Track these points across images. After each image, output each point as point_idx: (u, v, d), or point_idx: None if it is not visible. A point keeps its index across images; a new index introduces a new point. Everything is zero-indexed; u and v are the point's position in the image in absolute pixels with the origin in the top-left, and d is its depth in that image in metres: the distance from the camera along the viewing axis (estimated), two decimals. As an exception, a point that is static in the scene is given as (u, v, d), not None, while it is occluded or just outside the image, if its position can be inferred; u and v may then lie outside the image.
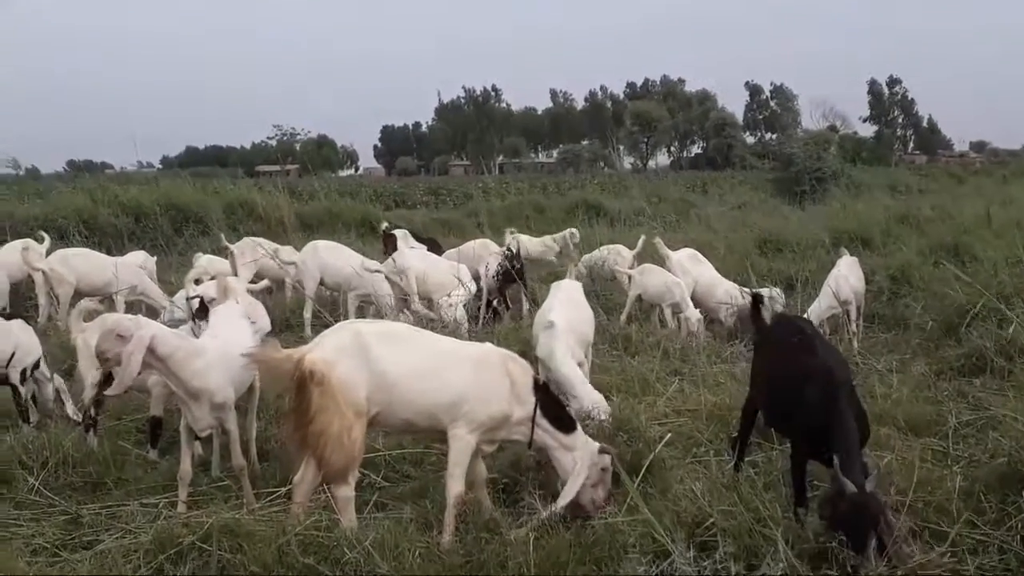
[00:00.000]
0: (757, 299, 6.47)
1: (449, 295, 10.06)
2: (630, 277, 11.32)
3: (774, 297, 10.38)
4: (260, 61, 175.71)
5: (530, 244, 16.05)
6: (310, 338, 10.66)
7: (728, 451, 6.24)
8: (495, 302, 11.64)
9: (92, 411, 6.68)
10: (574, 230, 16.71)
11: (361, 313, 11.00)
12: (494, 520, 5.17)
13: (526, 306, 11.68)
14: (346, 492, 5.01)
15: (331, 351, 5.01)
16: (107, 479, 6.06)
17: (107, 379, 6.62)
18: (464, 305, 10.12)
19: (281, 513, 5.35)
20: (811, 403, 4.79)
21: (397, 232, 14.32)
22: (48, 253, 12.10)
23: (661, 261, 11.51)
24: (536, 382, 5.44)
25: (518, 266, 11.73)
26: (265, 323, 8.83)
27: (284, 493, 5.73)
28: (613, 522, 4.90)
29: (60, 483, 6.04)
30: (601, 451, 5.41)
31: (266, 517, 5.22)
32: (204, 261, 11.82)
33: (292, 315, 11.85)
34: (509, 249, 12.10)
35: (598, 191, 31.67)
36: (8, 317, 7.55)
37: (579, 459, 5.36)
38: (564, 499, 5.24)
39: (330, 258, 11.15)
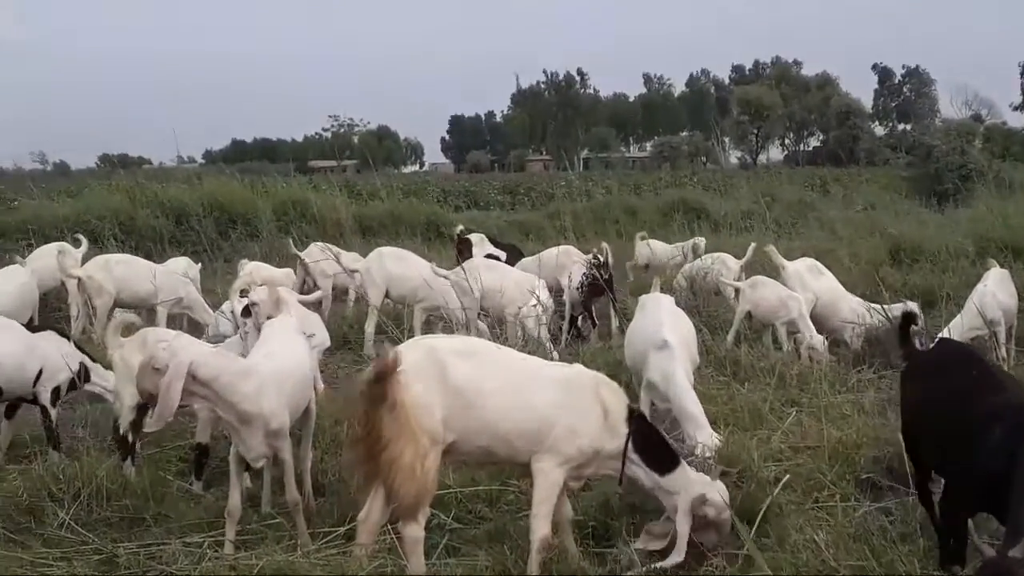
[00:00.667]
0: (909, 319, 6.19)
1: (519, 309, 10.03)
2: (738, 291, 11.21)
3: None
4: (314, 46, 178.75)
5: (661, 250, 15.82)
6: (370, 357, 10.97)
7: (856, 495, 6.13)
8: (580, 318, 11.63)
9: (130, 437, 6.81)
10: (700, 240, 16.47)
11: (428, 328, 11.12)
12: (582, 569, 5.16)
13: (615, 322, 11.65)
14: (415, 532, 5.01)
15: (403, 372, 5.02)
16: (146, 514, 6.17)
17: (148, 401, 6.83)
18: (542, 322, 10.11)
19: (340, 556, 5.41)
20: (992, 447, 4.53)
21: (473, 237, 14.45)
22: (84, 258, 12.43)
23: (775, 272, 11.38)
24: (631, 411, 5.42)
25: (607, 276, 11.68)
26: (324, 338, 9.01)
27: (343, 533, 5.78)
28: (722, 576, 4.86)
29: (94, 518, 6.16)
30: (700, 502, 5.29)
31: (323, 560, 5.28)
32: (250, 268, 12.04)
33: (351, 330, 12.05)
34: (596, 256, 12.05)
35: (699, 190, 31.39)
36: (36, 329, 7.77)
37: (682, 504, 5.31)
38: (674, 557, 5.16)
39: (396, 267, 11.32)
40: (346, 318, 12.61)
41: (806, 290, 10.82)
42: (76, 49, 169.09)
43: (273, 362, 5.81)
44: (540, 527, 5.16)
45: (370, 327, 11.20)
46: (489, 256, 13.36)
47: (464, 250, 13.37)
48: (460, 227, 15.55)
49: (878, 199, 29.13)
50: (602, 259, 12.00)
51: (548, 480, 5.18)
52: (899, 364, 6.69)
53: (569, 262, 12.38)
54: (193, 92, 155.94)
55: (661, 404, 6.91)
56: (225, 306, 10.15)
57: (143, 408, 6.81)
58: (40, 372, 7.27)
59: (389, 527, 5.24)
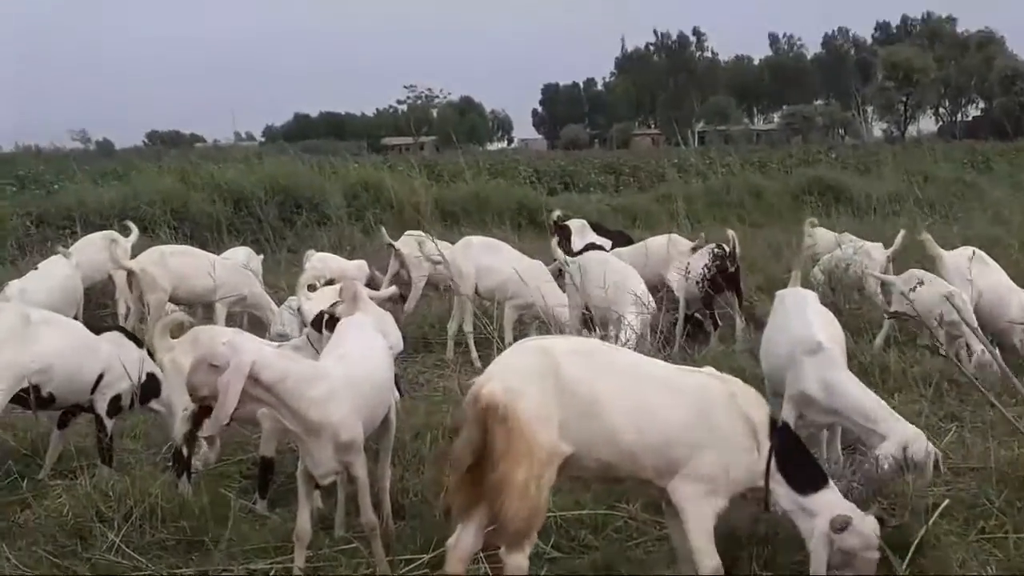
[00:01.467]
0: None
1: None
2: (886, 286, 11.00)
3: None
4: (385, 8, 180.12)
5: (825, 239, 15.40)
6: (451, 361, 11.09)
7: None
8: (702, 318, 11.54)
9: (185, 450, 6.90)
10: (851, 236, 15.77)
11: (520, 329, 11.19)
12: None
13: (740, 324, 11.54)
14: (520, 561, 4.94)
15: (514, 378, 5.00)
16: (205, 537, 6.24)
17: (204, 410, 6.94)
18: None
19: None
20: None
21: (573, 223, 14.43)
22: (134, 249, 12.71)
23: (930, 264, 11.17)
24: (773, 422, 5.35)
25: (732, 269, 11.57)
26: (397, 340, 9.09)
27: (427, 561, 5.84)
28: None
29: (147, 541, 6.25)
30: (837, 526, 5.18)
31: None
32: (317, 260, 12.20)
33: (432, 329, 12.15)
34: (720, 246, 11.93)
35: (837, 168, 30.97)
36: (101, 330, 7.90)
37: (816, 531, 5.23)
38: None
39: (487, 258, 11.42)
40: (426, 316, 12.73)
41: (967, 285, 10.59)
42: (121, 17, 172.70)
43: (346, 366, 5.86)
44: (706, 562, 5.08)
45: (453, 326, 11.36)
46: (592, 246, 13.35)
47: (563, 239, 13.33)
48: (557, 212, 15.51)
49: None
50: (727, 249, 11.86)
51: (698, 513, 5.11)
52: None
53: (675, 253, 12.30)
54: (251, 63, 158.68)
55: (821, 418, 6.80)
56: (291, 301, 10.30)
57: (200, 418, 6.95)
58: (100, 377, 7.38)
59: (481, 554, 5.26)
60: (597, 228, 14.94)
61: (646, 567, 5.64)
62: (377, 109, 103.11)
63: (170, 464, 7.13)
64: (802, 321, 7.28)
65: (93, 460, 7.51)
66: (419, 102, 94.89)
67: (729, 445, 5.16)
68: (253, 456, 7.26)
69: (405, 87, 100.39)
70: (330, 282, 9.76)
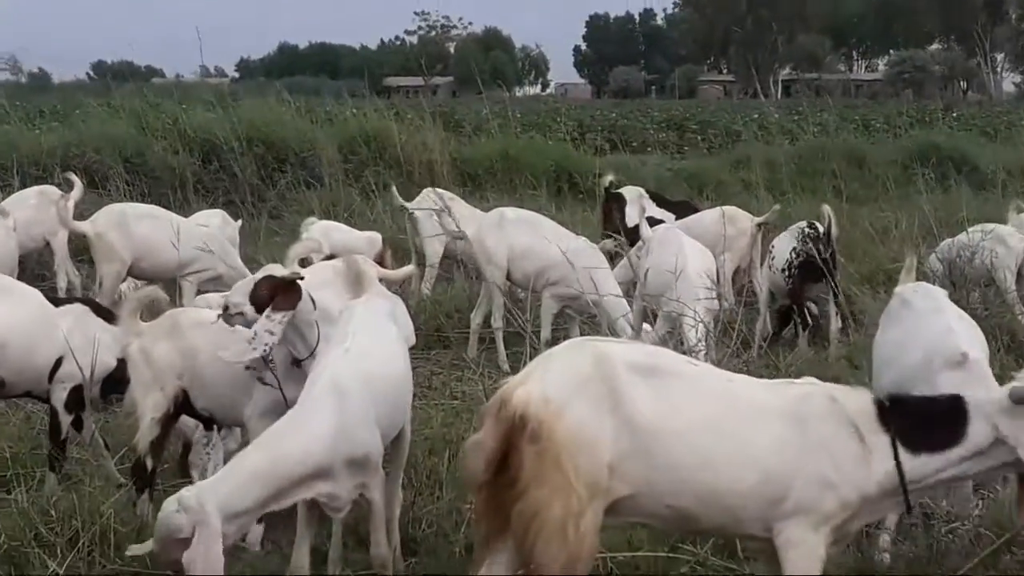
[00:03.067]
0: None
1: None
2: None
3: None
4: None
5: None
6: (473, 360, 11.07)
7: None
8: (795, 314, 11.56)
9: (148, 461, 6.92)
10: None
11: (559, 325, 11.23)
12: None
13: (835, 323, 11.51)
14: None
15: (557, 385, 4.87)
16: (168, 571, 6.30)
17: (177, 410, 7.00)
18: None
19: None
20: None
21: (627, 192, 14.40)
22: (78, 207, 12.71)
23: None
24: (880, 406, 5.15)
25: (826, 255, 11.49)
26: (408, 331, 9.12)
27: None
28: None
29: (95, 572, 6.28)
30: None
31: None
32: (317, 230, 12.20)
33: (448, 320, 12.16)
34: (812, 225, 11.86)
35: (959, 131, 30.77)
36: (60, 302, 8.05)
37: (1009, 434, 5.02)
38: None
39: (524, 236, 11.40)
40: (442, 303, 12.74)
41: None
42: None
43: (354, 361, 5.83)
44: None
45: (478, 317, 11.40)
46: (651, 220, 13.31)
47: (613, 210, 13.32)
48: (609, 177, 15.46)
49: None
50: (820, 229, 11.81)
51: (805, 555, 4.97)
52: None
53: (734, 232, 12.24)
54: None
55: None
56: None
57: (169, 420, 7.01)
58: (58, 363, 7.50)
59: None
60: (657, 199, 14.92)
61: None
62: (382, 40, 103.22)
63: (129, 479, 7.14)
64: (940, 326, 7.04)
65: (31, 470, 7.56)
66: (433, 34, 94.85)
67: (845, 471, 4.98)
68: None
69: (416, 14, 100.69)
70: (329, 257, 9.72)
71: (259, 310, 6.35)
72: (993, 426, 4.97)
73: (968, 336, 6.95)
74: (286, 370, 6.42)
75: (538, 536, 4.67)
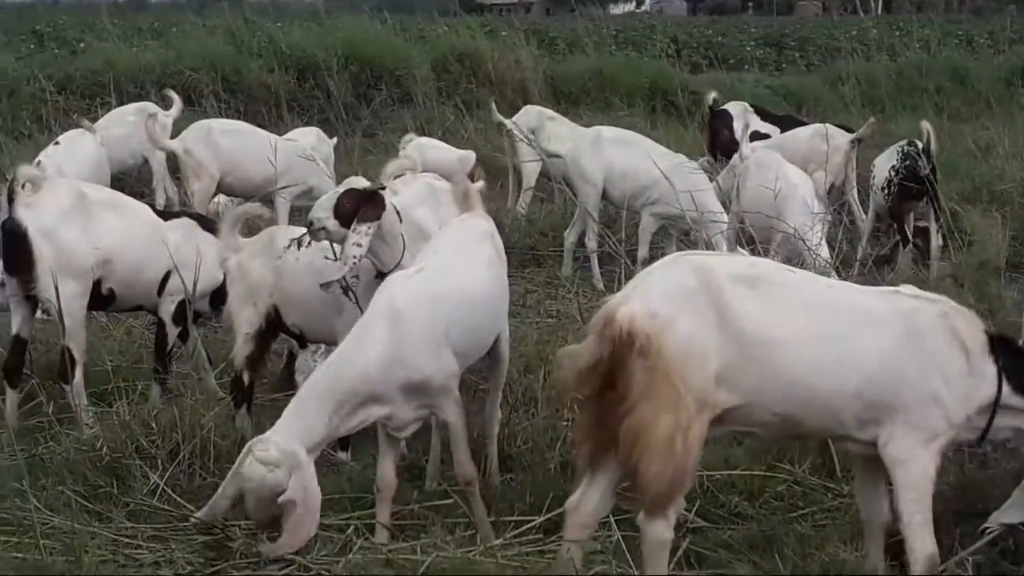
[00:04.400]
0: None
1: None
2: None
3: None
4: None
5: None
6: (567, 279, 11.03)
7: None
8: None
9: (246, 376, 7.01)
10: None
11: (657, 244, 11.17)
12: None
13: (936, 242, 11.37)
14: (662, 533, 4.87)
15: (663, 300, 4.86)
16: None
17: (270, 327, 7.04)
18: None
19: (536, 555, 5.51)
20: None
21: (732, 107, 14.31)
22: (177, 127, 12.86)
23: None
24: (991, 338, 5.15)
25: (925, 172, 11.34)
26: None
27: (539, 525, 5.89)
28: None
29: (196, 484, 6.35)
30: None
31: (514, 560, 5.39)
32: (413, 147, 12.18)
33: (542, 239, 12.14)
34: (912, 143, 11.70)
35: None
36: (168, 216, 8.16)
37: None
38: None
39: (621, 156, 11.34)
40: (536, 222, 12.70)
41: None
42: None
43: (427, 280, 5.82)
44: (921, 543, 4.96)
45: (572, 236, 11.39)
46: (756, 135, 13.35)
47: (721, 127, 13.22)
48: (713, 94, 15.34)
49: None
50: (921, 146, 11.64)
51: (914, 471, 4.97)
52: None
53: (829, 149, 12.13)
54: None
55: None
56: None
57: (265, 336, 7.06)
58: (167, 276, 7.62)
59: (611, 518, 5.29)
60: (762, 113, 14.92)
61: (815, 543, 5.59)
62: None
63: (229, 393, 7.21)
64: None
65: (131, 382, 7.61)
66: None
67: (953, 387, 4.98)
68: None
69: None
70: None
71: (343, 224, 6.28)
72: None
73: None
74: (370, 283, 6.37)
75: (645, 450, 4.70)
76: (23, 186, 7.33)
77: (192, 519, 5.92)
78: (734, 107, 14.73)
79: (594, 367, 4.78)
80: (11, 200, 7.28)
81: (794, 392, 4.94)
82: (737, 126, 13.71)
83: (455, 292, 5.85)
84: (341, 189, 6.56)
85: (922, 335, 5.00)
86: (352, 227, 6.27)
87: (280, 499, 5.19)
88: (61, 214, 7.36)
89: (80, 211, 7.44)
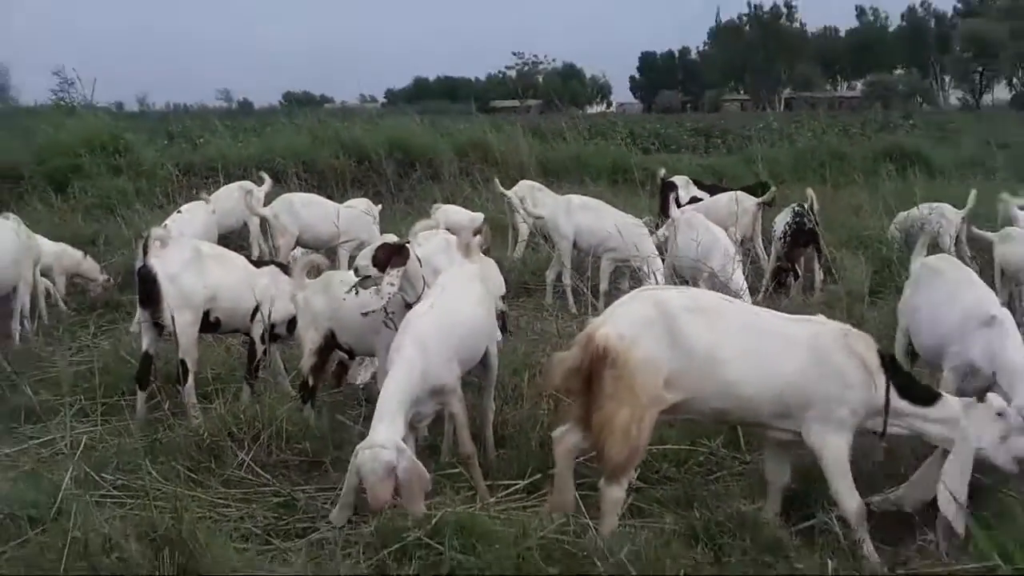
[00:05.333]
0: None
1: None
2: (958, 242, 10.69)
3: None
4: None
5: None
6: (549, 306, 11.04)
7: None
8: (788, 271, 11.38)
9: (310, 380, 7.04)
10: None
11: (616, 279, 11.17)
12: (777, 540, 5.04)
13: (819, 277, 11.43)
14: (617, 494, 5.09)
15: (629, 325, 5.03)
16: (324, 458, 6.34)
17: (327, 345, 7.05)
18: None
19: (521, 510, 5.50)
20: None
21: (677, 179, 14.37)
22: (267, 197, 12.90)
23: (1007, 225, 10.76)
24: (882, 356, 5.21)
25: (810, 226, 11.40)
26: (498, 284, 9.06)
27: (524, 487, 5.92)
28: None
29: (273, 460, 6.36)
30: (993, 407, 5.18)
31: (504, 514, 5.36)
32: (440, 212, 12.20)
33: (532, 277, 12.13)
34: (801, 204, 11.79)
35: (916, 134, 30.11)
36: (259, 264, 8.20)
37: (960, 430, 5.09)
38: (954, 486, 4.97)
39: (587, 218, 11.33)
40: (528, 264, 12.69)
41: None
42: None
43: (438, 314, 5.85)
44: (849, 502, 5.07)
45: (552, 274, 11.45)
46: (693, 199, 13.41)
47: (669, 193, 13.24)
48: (663, 170, 15.39)
49: None
50: (807, 205, 11.72)
51: (831, 452, 5.08)
52: None
53: (741, 210, 12.22)
54: (375, 30, 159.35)
55: (990, 383, 5.98)
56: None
57: (324, 351, 7.08)
58: (257, 307, 7.66)
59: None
60: (698, 183, 15.03)
61: (724, 499, 5.55)
62: (488, 74, 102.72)
63: (297, 392, 7.20)
64: (972, 292, 6.48)
65: (227, 385, 7.62)
66: (526, 68, 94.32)
67: (848, 383, 5.06)
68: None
69: (514, 54, 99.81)
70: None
71: (380, 269, 6.40)
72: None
73: (992, 299, 6.50)
74: (400, 311, 6.43)
75: (609, 436, 4.96)
76: (155, 242, 7.47)
77: (282, 495, 5.93)
78: (679, 179, 14.80)
79: (576, 370, 5.03)
80: (145, 252, 7.46)
81: (727, 393, 5.07)
82: (682, 194, 13.66)
83: (458, 322, 5.95)
84: (377, 243, 6.65)
85: (827, 352, 5.10)
86: (386, 271, 6.37)
87: (398, 473, 5.12)
88: (182, 264, 7.48)
89: (195, 262, 7.55)
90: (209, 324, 7.65)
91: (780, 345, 5.10)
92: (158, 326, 7.44)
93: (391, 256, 6.48)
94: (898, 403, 5.12)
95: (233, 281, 7.67)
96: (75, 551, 4.80)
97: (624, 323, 5.04)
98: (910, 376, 5.39)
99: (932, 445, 5.34)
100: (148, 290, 7.36)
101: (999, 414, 5.19)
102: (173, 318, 7.27)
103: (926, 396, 5.22)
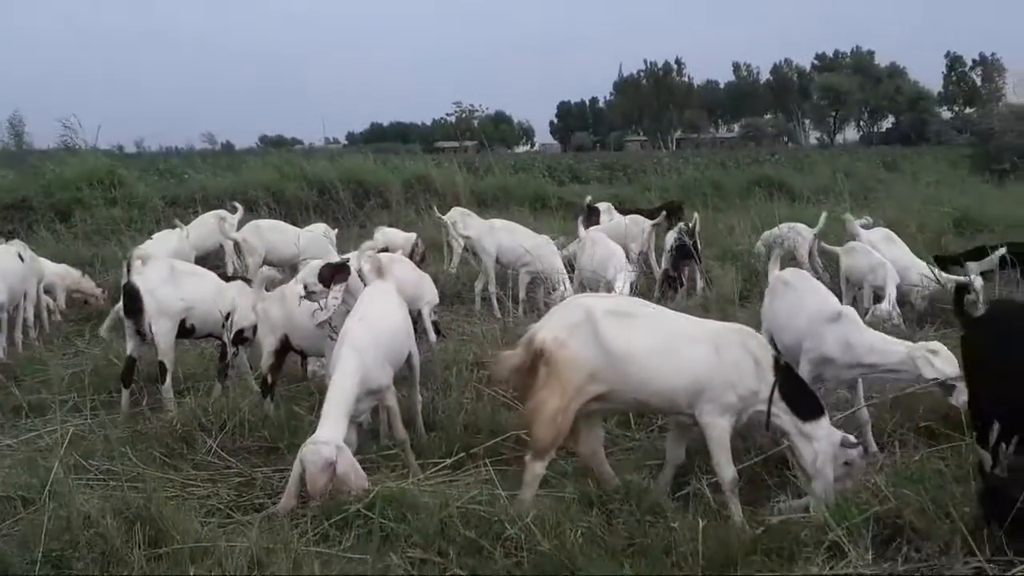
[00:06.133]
0: (962, 290, 5.59)
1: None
2: (812, 256, 10.80)
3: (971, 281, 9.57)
4: (445, 40, 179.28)
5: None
6: (477, 312, 10.97)
7: (915, 441, 5.88)
8: (675, 279, 11.39)
9: (269, 377, 6.92)
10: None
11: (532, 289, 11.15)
12: (658, 504, 5.01)
13: (700, 284, 11.48)
14: (539, 469, 5.09)
15: (561, 329, 5.04)
16: (280, 443, 6.20)
17: (283, 347, 6.92)
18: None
19: (445, 484, 5.44)
20: None
21: (600, 205, 14.41)
22: (240, 223, 12.66)
23: (849, 240, 10.91)
24: (776, 360, 5.15)
25: (692, 241, 11.45)
26: (433, 296, 8.98)
27: (450, 464, 5.87)
28: (788, 517, 4.65)
29: (236, 446, 6.23)
30: (844, 443, 5.04)
31: (431, 488, 5.27)
32: (379, 233, 12.11)
33: (464, 287, 12.03)
34: (685, 224, 11.85)
35: (780, 167, 30.53)
36: (230, 279, 8.09)
37: (820, 452, 5.01)
38: (816, 499, 4.90)
39: (506, 238, 11.29)
40: (460, 277, 12.57)
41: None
42: (251, 43, 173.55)
43: (368, 327, 5.75)
44: (725, 472, 5.03)
45: (479, 285, 11.34)
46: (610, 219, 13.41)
47: (592, 216, 13.27)
48: (589, 197, 15.38)
49: (943, 176, 27.92)
50: (691, 225, 11.79)
51: (716, 429, 5.03)
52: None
53: (637, 230, 12.28)
54: (340, 78, 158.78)
55: (844, 373, 6.17)
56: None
57: (281, 353, 6.95)
58: (229, 316, 7.50)
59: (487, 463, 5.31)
60: (620, 209, 14.89)
61: (617, 471, 5.50)
62: (433, 119, 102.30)
63: (259, 388, 7.08)
64: (818, 296, 6.54)
65: (200, 383, 7.51)
66: (464, 115, 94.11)
67: (741, 376, 5.02)
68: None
69: (453, 103, 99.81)
70: (384, 250, 9.62)
71: (325, 285, 6.38)
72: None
73: (835, 301, 6.60)
74: (342, 320, 6.20)
75: (539, 420, 4.97)
76: (136, 262, 7.59)
77: (243, 475, 5.82)
78: (602, 205, 14.72)
79: (519, 366, 5.07)
80: (128, 270, 7.53)
81: (645, 386, 5.04)
82: (604, 217, 13.74)
83: (385, 330, 5.87)
84: (318, 264, 6.64)
85: (727, 348, 5.06)
86: (331, 287, 6.35)
87: (335, 468, 5.01)
88: (160, 280, 7.34)
89: (172, 277, 7.41)
90: (186, 330, 7.49)
91: (688, 343, 5.06)
92: (140, 334, 7.27)
93: (335, 274, 6.44)
94: (778, 404, 5.05)
95: (205, 294, 7.51)
96: (59, 527, 4.65)
97: (559, 326, 5.05)
98: (801, 387, 5.25)
99: None
100: (132, 302, 7.21)
101: (846, 463, 5.08)
102: (150, 326, 7.15)
103: (805, 409, 5.09)
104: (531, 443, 5.10)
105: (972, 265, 10.21)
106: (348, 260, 6.75)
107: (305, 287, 6.41)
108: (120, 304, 7.70)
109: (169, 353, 7.31)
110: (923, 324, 9.41)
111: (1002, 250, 10.40)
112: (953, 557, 4.03)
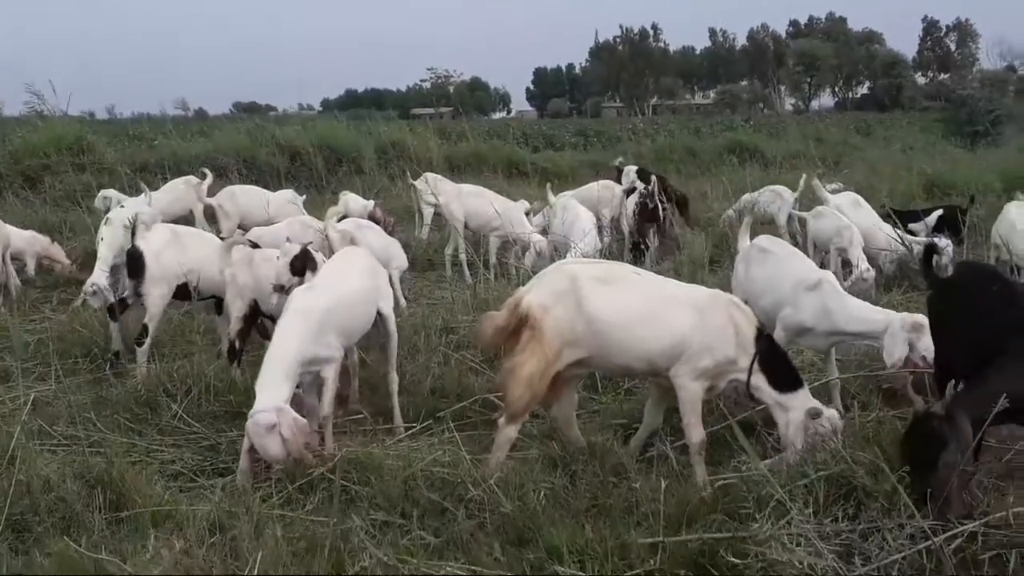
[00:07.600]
0: (931, 251, 5.69)
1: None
2: (796, 220, 11.03)
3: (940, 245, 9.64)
4: (419, 5, 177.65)
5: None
6: (448, 277, 10.94)
7: (875, 402, 5.93)
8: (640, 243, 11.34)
9: (237, 343, 6.85)
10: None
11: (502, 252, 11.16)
12: (622, 465, 5.03)
13: (654, 245, 11.37)
14: (511, 432, 5.08)
15: (547, 295, 5.02)
16: (245, 409, 6.10)
17: (252, 313, 6.87)
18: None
19: (409, 447, 5.43)
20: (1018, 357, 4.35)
21: (626, 167, 14.54)
22: (209, 189, 12.55)
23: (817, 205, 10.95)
24: (759, 331, 5.13)
25: (652, 205, 11.40)
26: (402, 261, 8.91)
27: (419, 429, 5.92)
28: (748, 475, 4.67)
29: (202, 411, 6.17)
30: (812, 414, 5.03)
31: (396, 452, 5.28)
32: (342, 200, 12.01)
33: (435, 254, 12.00)
34: (647, 187, 11.83)
35: (753, 133, 30.54)
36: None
37: (792, 421, 5.04)
38: (784, 463, 4.89)
39: (473, 202, 11.27)
40: (432, 243, 12.50)
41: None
42: (223, 7, 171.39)
43: (312, 298, 5.60)
44: (694, 434, 5.03)
45: (449, 250, 11.30)
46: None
47: (620, 177, 13.54)
48: (619, 159, 15.29)
49: (916, 141, 28.09)
50: (651, 189, 11.78)
51: (689, 392, 5.02)
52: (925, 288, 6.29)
53: (609, 195, 12.22)
54: (315, 44, 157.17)
55: (821, 342, 6.18)
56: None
57: (250, 318, 6.91)
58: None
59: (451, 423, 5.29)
60: (640, 172, 14.43)
61: (582, 432, 5.51)
62: (408, 85, 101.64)
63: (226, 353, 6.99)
64: (796, 264, 6.47)
65: (163, 350, 7.47)
66: (439, 81, 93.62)
67: (721, 345, 5.01)
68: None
69: (428, 69, 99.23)
70: (344, 217, 9.60)
71: (300, 275, 6.36)
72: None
73: (813, 267, 6.60)
74: None
75: (514, 381, 4.94)
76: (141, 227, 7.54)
77: (208, 440, 5.81)
78: (627, 167, 14.55)
79: (504, 328, 5.01)
80: (134, 234, 7.44)
81: (627, 352, 5.03)
82: (624, 179, 13.70)
83: (333, 299, 5.65)
84: (289, 257, 6.48)
85: (709, 314, 5.05)
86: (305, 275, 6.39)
87: (282, 430, 4.93)
88: (163, 243, 7.38)
89: (175, 241, 7.46)
90: (187, 292, 7.41)
91: (673, 306, 5.04)
92: (139, 294, 7.30)
93: (305, 263, 6.45)
94: (756, 375, 5.04)
95: (207, 256, 7.39)
96: (19, 492, 4.62)
97: (544, 292, 5.03)
98: (782, 359, 5.22)
99: None
100: (136, 265, 7.27)
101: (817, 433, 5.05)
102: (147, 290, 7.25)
103: (783, 380, 5.09)
104: (505, 405, 5.09)
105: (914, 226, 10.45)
106: (310, 242, 6.70)
107: (278, 282, 6.36)
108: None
109: (157, 317, 7.31)
110: (890, 288, 9.46)
111: (938, 211, 10.68)
112: (894, 518, 4.07)
